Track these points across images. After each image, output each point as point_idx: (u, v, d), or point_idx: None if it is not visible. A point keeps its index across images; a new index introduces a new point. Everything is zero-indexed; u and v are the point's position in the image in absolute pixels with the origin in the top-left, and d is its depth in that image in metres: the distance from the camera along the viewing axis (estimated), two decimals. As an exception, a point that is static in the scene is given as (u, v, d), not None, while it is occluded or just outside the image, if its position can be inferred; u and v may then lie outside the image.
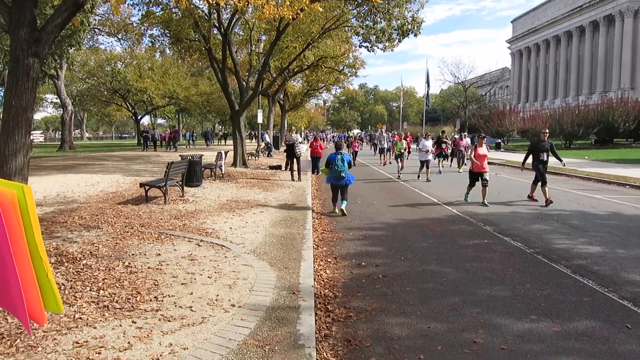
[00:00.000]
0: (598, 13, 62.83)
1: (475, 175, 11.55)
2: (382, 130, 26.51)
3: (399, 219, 9.56)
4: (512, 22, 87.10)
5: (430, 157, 16.65)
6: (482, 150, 11.44)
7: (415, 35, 18.34)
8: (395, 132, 33.58)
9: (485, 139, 11.96)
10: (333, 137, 45.31)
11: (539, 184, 11.53)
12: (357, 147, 25.16)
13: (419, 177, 16.88)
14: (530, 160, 12.01)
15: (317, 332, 4.10)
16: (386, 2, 16.40)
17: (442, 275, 5.83)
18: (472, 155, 11.61)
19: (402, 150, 18.49)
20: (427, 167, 16.45)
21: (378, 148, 26.92)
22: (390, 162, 24.40)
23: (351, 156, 22.13)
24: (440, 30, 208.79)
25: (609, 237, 7.77)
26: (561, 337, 4.06)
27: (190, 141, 44.48)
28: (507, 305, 4.79)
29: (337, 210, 10.13)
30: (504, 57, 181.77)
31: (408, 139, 27.70)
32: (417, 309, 4.70)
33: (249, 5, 11.89)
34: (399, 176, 17.58)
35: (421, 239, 7.79)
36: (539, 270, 6.00)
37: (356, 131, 71.82)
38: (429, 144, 16.54)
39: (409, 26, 17.85)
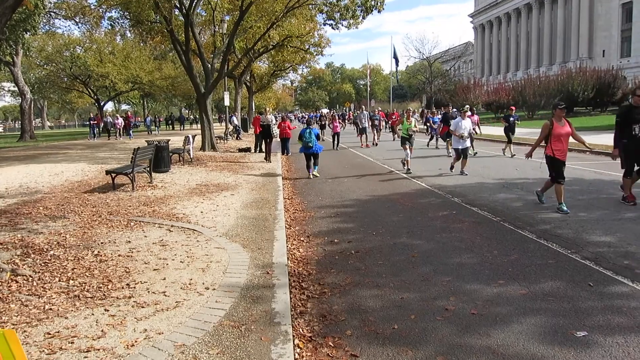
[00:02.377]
0: (556, -16, 63.94)
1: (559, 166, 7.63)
2: (363, 108, 24.00)
3: (370, 196, 9.67)
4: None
5: (468, 143, 12.03)
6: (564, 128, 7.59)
7: (379, 11, 18.35)
8: (381, 109, 31.76)
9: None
10: (303, 117, 44.58)
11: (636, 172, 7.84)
12: (339, 128, 21.28)
13: (452, 168, 12.27)
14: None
15: (293, 309, 4.14)
16: (349, -23, 16.25)
17: (413, 247, 5.95)
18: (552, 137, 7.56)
19: (411, 133, 13.16)
20: (466, 158, 11.77)
21: (359, 128, 23.37)
22: (376, 144, 22.25)
23: (333, 137, 20.89)
24: (404, 7, 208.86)
25: (571, 201, 8.04)
26: (528, 299, 4.21)
27: (153, 127, 42.78)
28: (476, 272, 4.94)
29: (311, 175, 12.62)
30: (467, 32, 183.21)
31: (394, 117, 26.43)
32: (390, 281, 4.79)
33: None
34: (407, 169, 12.74)
35: (391, 214, 7.90)
36: (506, 237, 6.19)
37: (325, 110, 71.56)
38: (468, 124, 11.83)
39: (372, 2, 17.81)
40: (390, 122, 27.61)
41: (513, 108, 17.38)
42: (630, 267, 4.90)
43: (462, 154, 11.73)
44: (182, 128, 52.98)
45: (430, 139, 21.28)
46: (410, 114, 13.72)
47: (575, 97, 37.47)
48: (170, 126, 55.89)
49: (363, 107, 25.43)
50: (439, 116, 20.80)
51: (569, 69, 43.86)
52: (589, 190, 9.12)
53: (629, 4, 56.19)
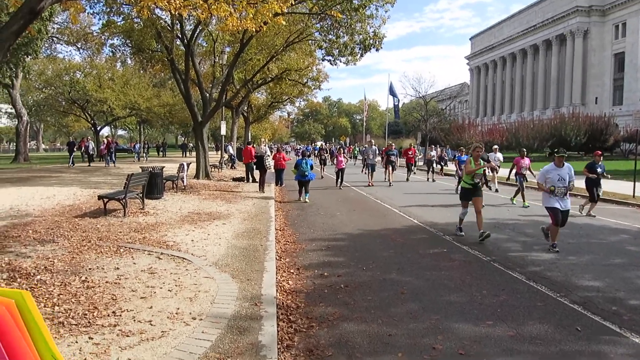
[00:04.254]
0: (551, 32, 65.94)
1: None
2: (372, 142, 21.60)
3: (361, 230, 9.68)
4: (470, 39, 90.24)
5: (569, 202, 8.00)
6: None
7: (377, 49, 18.73)
8: (413, 145, 27.46)
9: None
10: (298, 149, 44.16)
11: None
12: (344, 163, 18.14)
13: (547, 236, 8.10)
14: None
15: (279, 342, 4.10)
16: (348, 17, 16.70)
17: (403, 283, 5.94)
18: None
19: (477, 180, 9.04)
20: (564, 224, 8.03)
21: (366, 164, 20.54)
22: (390, 184, 19.21)
23: (337, 173, 17.92)
24: (401, 46, 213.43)
25: (561, 244, 8.08)
26: (516, 340, 4.20)
27: (142, 154, 40.50)
28: (464, 312, 4.93)
29: (301, 200, 14.05)
30: (463, 73, 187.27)
31: (411, 153, 23.81)
32: (379, 317, 4.77)
33: (213, 17, 11.91)
34: (482, 234, 8.41)
35: (382, 249, 7.90)
36: (495, 277, 6.21)
37: (319, 143, 72.05)
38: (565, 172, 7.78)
39: (371, 41, 18.22)
40: (406, 159, 24.24)
41: (599, 153, 12.43)
42: (618, 314, 4.91)
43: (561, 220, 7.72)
44: (164, 155, 52.16)
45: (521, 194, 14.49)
46: (481, 151, 9.30)
47: (568, 142, 38.13)
48: (162, 153, 54.74)
49: (372, 140, 23.55)
50: (465, 155, 16.60)
51: (562, 114, 44.85)
52: (579, 235, 9.20)
53: (621, 54, 57.95)
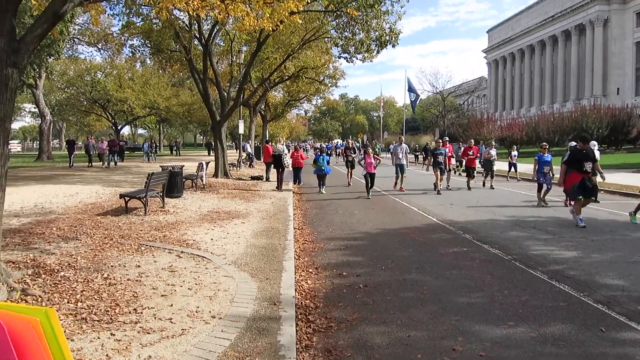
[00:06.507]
0: (569, 22, 64.60)
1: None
2: (402, 139, 18.35)
3: (380, 229, 9.64)
4: (487, 32, 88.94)
5: None
6: None
7: (394, 46, 18.59)
8: (446, 140, 19.72)
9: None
10: (318, 147, 43.11)
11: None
12: (374, 167, 14.64)
13: None
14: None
15: (298, 342, 4.11)
16: (364, 14, 16.61)
17: (422, 283, 5.89)
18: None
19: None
20: None
21: (395, 165, 17.24)
22: (439, 192, 15.68)
23: (366, 178, 14.48)
24: (417, 41, 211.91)
25: (584, 242, 7.94)
26: (538, 342, 4.13)
27: (150, 154, 37.57)
28: (485, 312, 4.87)
29: (320, 191, 15.88)
30: (480, 67, 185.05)
31: (472, 152, 17.95)
32: (398, 318, 4.74)
33: (230, 17, 11.96)
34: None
35: (401, 248, 7.86)
36: (517, 276, 6.12)
37: (336, 140, 71.96)
38: None
39: (387, 37, 18.08)
40: (464, 160, 19.24)
41: (546, 146, 13.68)
42: (644, 313, 4.80)
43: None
44: (178, 154, 50.48)
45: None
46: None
47: (590, 135, 37.37)
48: (177, 152, 52.84)
49: (402, 138, 19.10)
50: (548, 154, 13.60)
51: (583, 107, 43.92)
52: (603, 231, 9.00)
53: (643, 43, 56.51)
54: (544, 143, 13.22)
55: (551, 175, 12.97)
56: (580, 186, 9.43)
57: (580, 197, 9.50)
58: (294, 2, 8.14)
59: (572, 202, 10.20)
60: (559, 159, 11.94)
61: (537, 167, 13.20)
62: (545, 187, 12.82)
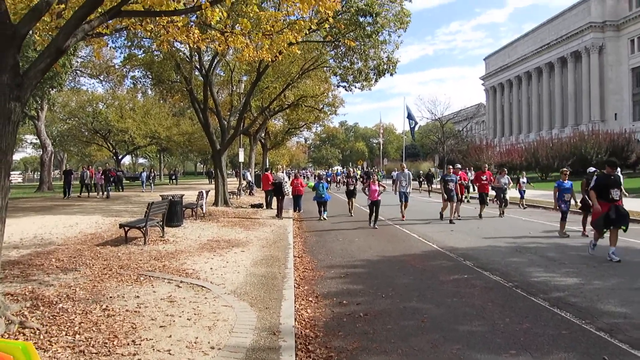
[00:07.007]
0: (565, 50, 65.74)
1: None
2: (404, 167, 17.34)
3: (380, 256, 9.60)
4: (484, 59, 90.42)
5: None
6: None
7: (391, 74, 18.91)
8: (458, 168, 18.62)
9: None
10: (318, 175, 42.79)
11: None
12: (378, 194, 14.02)
13: None
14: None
15: (298, 373, 4.06)
16: (362, 44, 16.95)
17: (423, 311, 5.85)
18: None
19: None
20: None
21: (398, 193, 16.54)
22: (452, 222, 14.60)
23: (371, 207, 13.89)
24: (415, 69, 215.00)
25: (585, 268, 7.91)
26: (540, 371, 4.09)
27: (148, 183, 36.28)
28: (487, 341, 4.82)
29: (321, 218, 16.18)
30: (478, 93, 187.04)
31: (485, 178, 17.21)
32: (398, 347, 4.70)
33: (230, 48, 12.20)
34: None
35: (401, 276, 7.82)
36: (518, 304, 6.07)
37: (336, 168, 72.18)
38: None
39: (385, 66, 18.41)
40: (477, 185, 18.50)
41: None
42: (647, 340, 4.75)
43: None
44: (175, 182, 51.08)
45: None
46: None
47: (589, 160, 37.60)
48: (175, 181, 53.06)
49: (404, 165, 18.32)
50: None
51: (581, 132, 44.29)
52: (604, 257, 8.95)
53: (638, 69, 57.37)
54: (564, 169, 11.96)
55: (572, 202, 12.10)
56: (606, 217, 8.62)
57: (606, 230, 8.78)
58: (293, 34, 8.33)
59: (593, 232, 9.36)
60: (578, 184, 11.71)
61: (557, 194, 11.93)
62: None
